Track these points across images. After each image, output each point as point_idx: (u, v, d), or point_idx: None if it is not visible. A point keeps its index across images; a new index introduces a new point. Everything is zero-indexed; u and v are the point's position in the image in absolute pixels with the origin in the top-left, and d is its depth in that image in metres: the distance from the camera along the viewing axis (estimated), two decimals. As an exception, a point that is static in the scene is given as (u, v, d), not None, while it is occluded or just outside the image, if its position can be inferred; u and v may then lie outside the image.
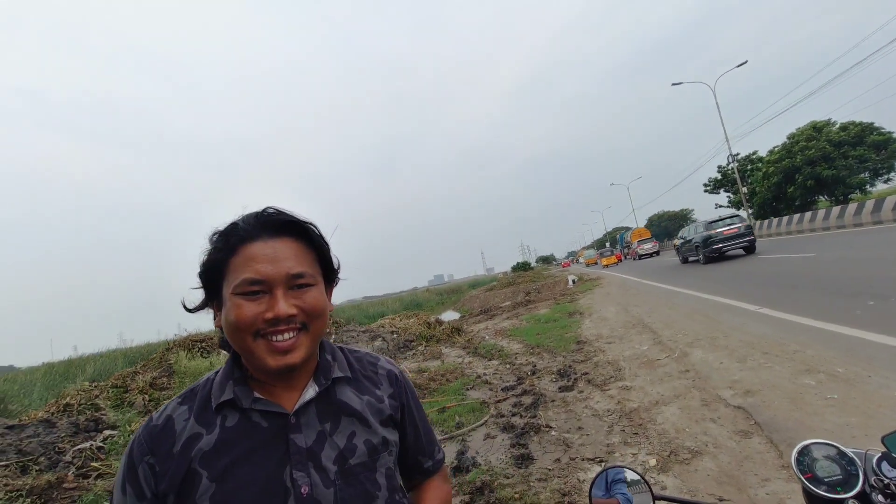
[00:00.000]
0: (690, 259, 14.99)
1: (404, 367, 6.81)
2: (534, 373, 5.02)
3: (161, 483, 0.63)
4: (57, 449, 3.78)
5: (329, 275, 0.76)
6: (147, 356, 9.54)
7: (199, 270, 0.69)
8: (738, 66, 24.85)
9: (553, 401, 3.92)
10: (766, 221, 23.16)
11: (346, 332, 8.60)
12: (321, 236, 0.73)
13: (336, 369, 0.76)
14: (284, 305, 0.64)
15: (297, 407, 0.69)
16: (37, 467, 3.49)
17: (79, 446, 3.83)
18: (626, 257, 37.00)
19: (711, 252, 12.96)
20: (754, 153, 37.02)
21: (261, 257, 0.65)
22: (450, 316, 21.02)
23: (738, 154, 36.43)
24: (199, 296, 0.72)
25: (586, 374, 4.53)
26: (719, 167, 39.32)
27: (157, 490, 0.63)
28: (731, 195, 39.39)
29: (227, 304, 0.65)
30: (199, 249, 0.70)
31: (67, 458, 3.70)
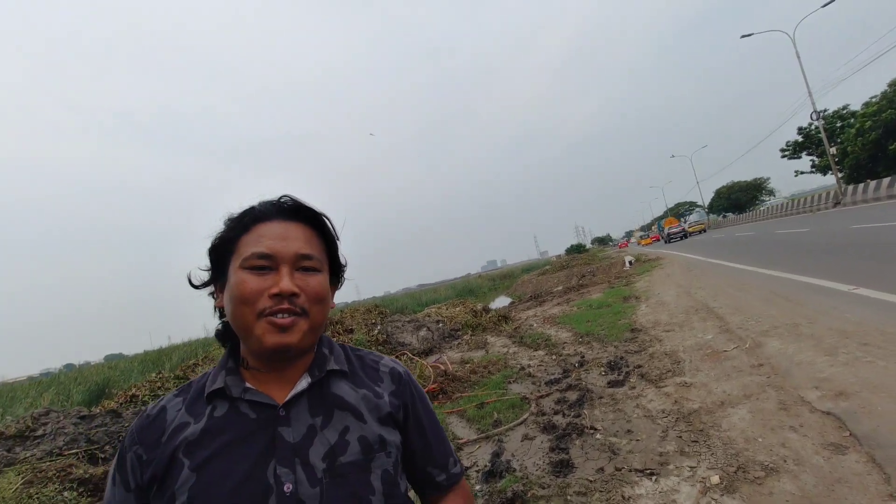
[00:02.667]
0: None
1: (449, 357, 6.68)
2: (581, 365, 4.65)
3: (146, 472, 0.62)
4: (121, 438, 4.07)
5: (335, 271, 0.75)
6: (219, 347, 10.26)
7: (209, 247, 0.70)
8: (825, 5, 21.49)
9: (601, 398, 3.56)
10: (861, 186, 20.13)
11: (391, 322, 8.63)
12: (333, 229, 0.74)
13: (332, 362, 0.73)
14: (289, 282, 0.64)
15: (287, 398, 0.67)
16: (102, 455, 3.77)
17: (139, 436, 4.10)
18: (662, 239, 45.24)
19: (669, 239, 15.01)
20: (844, 108, 32.42)
21: (272, 234, 0.66)
22: (501, 302, 20.74)
23: (824, 110, 32.05)
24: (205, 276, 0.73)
25: (639, 367, 4.09)
26: (800, 129, 34.95)
27: (141, 480, 0.63)
28: (816, 158, 34.93)
29: (232, 279, 0.66)
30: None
31: (130, 447, 3.97)
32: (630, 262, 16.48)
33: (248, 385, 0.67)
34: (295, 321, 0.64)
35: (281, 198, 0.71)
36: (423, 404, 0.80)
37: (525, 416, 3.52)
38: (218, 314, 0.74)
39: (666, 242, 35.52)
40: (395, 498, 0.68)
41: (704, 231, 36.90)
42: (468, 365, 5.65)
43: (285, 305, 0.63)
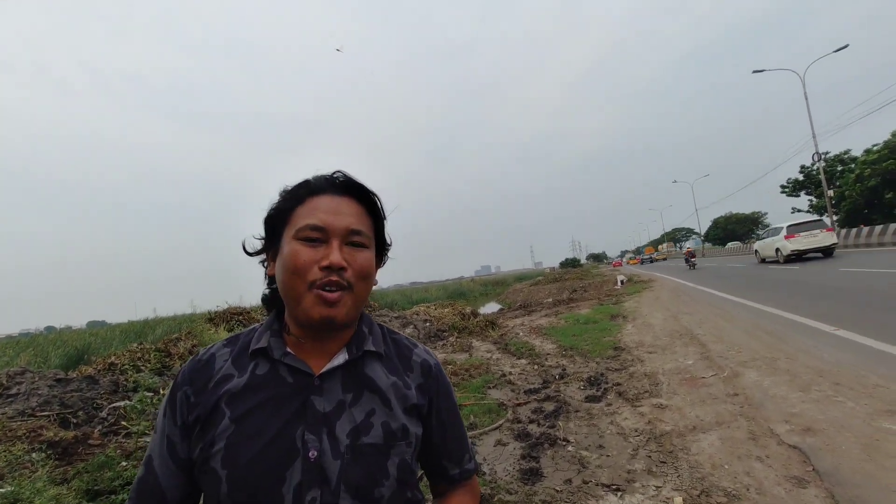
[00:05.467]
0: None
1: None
2: (562, 377, 4.69)
3: (192, 413, 0.67)
4: (95, 405, 4.05)
5: (380, 249, 0.77)
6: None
7: (265, 216, 0.73)
8: (837, 50, 21.79)
9: (577, 411, 3.60)
10: (854, 230, 20.43)
11: (379, 316, 8.63)
12: (382, 208, 0.75)
13: (370, 342, 0.75)
14: (338, 255, 0.65)
15: (323, 370, 0.69)
16: (75, 420, 3.75)
17: (114, 404, 4.07)
18: (641, 262, 61.36)
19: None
20: (846, 152, 32.90)
21: (325, 208, 0.68)
22: (490, 308, 20.76)
23: (826, 153, 32.49)
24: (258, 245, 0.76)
25: (619, 384, 4.14)
26: (802, 167, 35.42)
27: (188, 419, 0.67)
28: (814, 198, 35.38)
29: (284, 249, 0.68)
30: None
31: (103, 414, 3.95)
32: (622, 282, 16.60)
33: (288, 350, 0.70)
34: (341, 296, 0.66)
35: (334, 173, 0.73)
36: (447, 399, 0.81)
37: (501, 422, 3.54)
38: (267, 281, 0.77)
39: (642, 263, 55.59)
40: (408, 486, 0.70)
41: (665, 259, 54.19)
42: (450, 367, 5.67)
43: (334, 278, 0.65)
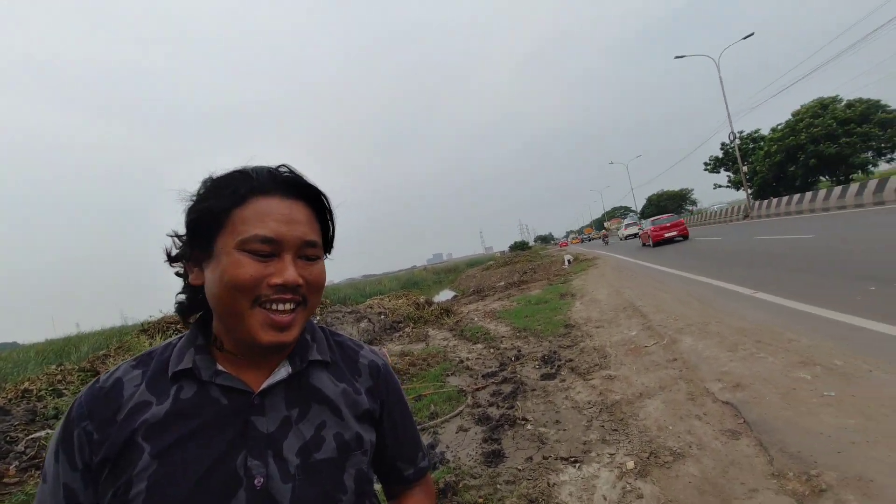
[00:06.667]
0: None
1: (389, 349, 6.63)
2: (517, 359, 4.82)
3: (97, 453, 0.55)
4: (9, 438, 3.59)
5: (326, 250, 0.69)
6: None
7: (189, 215, 0.60)
8: (745, 38, 23.88)
9: (534, 390, 3.72)
10: (766, 202, 22.80)
11: (332, 313, 8.39)
12: (332, 213, 0.67)
13: (315, 351, 0.68)
14: (294, 272, 0.58)
15: (264, 387, 0.61)
16: (-16, 458, 3.29)
17: (32, 435, 3.63)
18: (582, 241, 69.08)
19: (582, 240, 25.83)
20: (757, 131, 36.35)
21: (276, 215, 0.59)
22: (445, 295, 20.92)
23: (741, 132, 35.72)
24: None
25: (570, 360, 4.33)
26: (723, 145, 38.68)
27: (91, 461, 0.55)
28: (732, 174, 38.91)
29: (222, 259, 0.57)
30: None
31: (20, 447, 3.51)
32: (569, 261, 17.34)
33: (220, 367, 0.61)
34: (294, 317, 0.59)
35: (279, 167, 0.62)
36: (398, 400, 0.77)
37: (461, 409, 3.58)
38: (184, 287, 0.66)
39: (582, 242, 63.02)
40: (367, 496, 0.66)
41: (602, 239, 55.46)
42: (408, 357, 5.64)
43: (288, 296, 0.58)
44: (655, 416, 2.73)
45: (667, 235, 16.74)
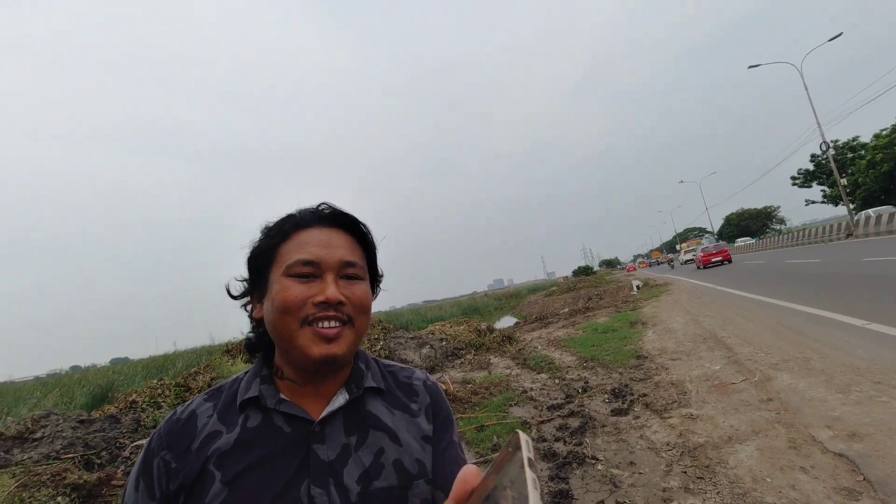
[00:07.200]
0: None
1: (450, 376, 6.60)
2: (585, 391, 4.57)
3: (174, 482, 0.58)
4: (118, 444, 4.05)
5: (373, 280, 0.74)
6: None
7: (248, 256, 0.68)
8: (831, 39, 21.66)
9: (604, 426, 3.49)
10: (875, 218, 19.88)
11: (394, 338, 8.58)
12: (372, 238, 0.72)
13: (369, 378, 0.70)
14: (335, 290, 0.62)
15: (323, 415, 0.64)
16: (98, 461, 3.74)
17: (136, 443, 4.06)
18: (650, 265, 67.96)
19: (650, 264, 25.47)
20: (855, 139, 32.34)
21: (315, 241, 0.65)
22: (506, 322, 20.55)
23: (835, 141, 31.96)
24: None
25: (644, 395, 4.01)
26: (813, 156, 34.85)
27: (168, 489, 0.59)
28: (827, 188, 34.70)
29: (274, 287, 0.63)
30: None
31: (126, 453, 3.94)
32: (637, 287, 16.32)
33: (282, 396, 0.64)
34: (341, 331, 0.62)
35: (320, 205, 0.69)
36: (450, 423, 0.76)
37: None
38: (252, 326, 0.72)
39: (650, 266, 62.60)
40: None
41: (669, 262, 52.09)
42: (469, 385, 5.57)
43: (331, 313, 0.61)
44: (749, 464, 2.43)
45: (713, 260, 21.23)
